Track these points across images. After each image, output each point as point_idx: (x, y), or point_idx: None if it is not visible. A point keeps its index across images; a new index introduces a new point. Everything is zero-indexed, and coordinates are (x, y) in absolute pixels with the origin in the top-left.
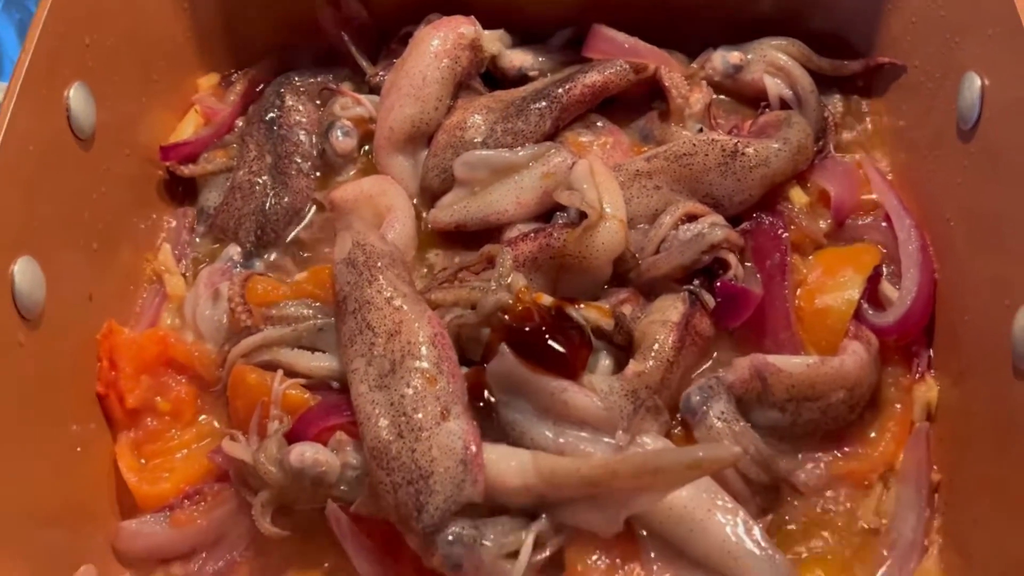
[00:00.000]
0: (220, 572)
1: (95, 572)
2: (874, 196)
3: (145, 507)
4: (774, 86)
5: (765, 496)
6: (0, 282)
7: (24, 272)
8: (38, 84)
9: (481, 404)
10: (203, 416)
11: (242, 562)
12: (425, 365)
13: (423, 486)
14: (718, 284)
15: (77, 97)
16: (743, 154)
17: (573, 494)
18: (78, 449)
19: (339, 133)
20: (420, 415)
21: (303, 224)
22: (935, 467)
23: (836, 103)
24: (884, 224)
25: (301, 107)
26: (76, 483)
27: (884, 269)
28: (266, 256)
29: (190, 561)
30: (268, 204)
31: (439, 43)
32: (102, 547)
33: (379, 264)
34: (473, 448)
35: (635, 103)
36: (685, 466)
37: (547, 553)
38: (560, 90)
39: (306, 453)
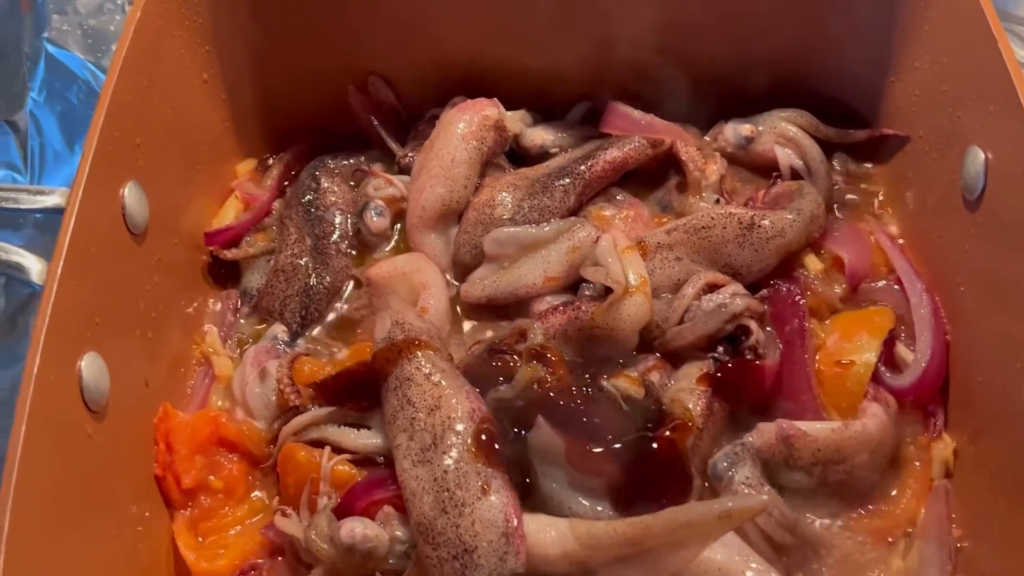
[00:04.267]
0: None
1: None
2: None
3: None
4: (784, 156)
5: (791, 559)
6: (68, 377)
7: (90, 367)
8: (96, 187)
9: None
10: (255, 493)
11: None
12: (463, 440)
13: (468, 560)
14: (730, 366)
15: (131, 196)
16: (759, 226)
17: (611, 555)
18: (139, 530)
19: (373, 213)
20: (461, 491)
21: (343, 301)
22: (955, 523)
23: (846, 162)
24: (897, 288)
25: (336, 188)
26: (138, 564)
27: (899, 332)
28: (308, 334)
29: None
30: (311, 284)
31: (465, 126)
32: None
33: (417, 343)
34: (514, 521)
35: (653, 175)
36: (716, 516)
37: None
38: (583, 167)
39: (356, 529)
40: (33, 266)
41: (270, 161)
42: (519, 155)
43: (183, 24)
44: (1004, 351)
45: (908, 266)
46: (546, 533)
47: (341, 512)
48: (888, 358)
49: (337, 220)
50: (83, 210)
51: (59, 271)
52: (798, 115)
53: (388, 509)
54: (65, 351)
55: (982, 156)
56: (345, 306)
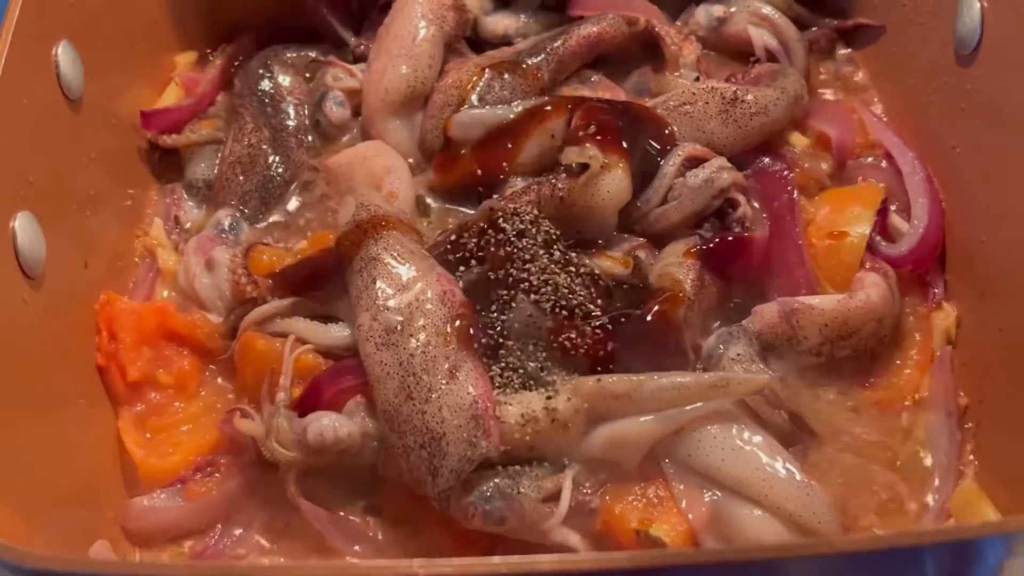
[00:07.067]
0: (236, 546)
1: (109, 547)
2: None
3: (152, 483)
4: (759, 36)
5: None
6: (1, 238)
7: (24, 228)
8: (27, 39)
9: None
10: (207, 389)
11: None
12: (434, 322)
13: (436, 448)
14: (718, 240)
15: (65, 56)
16: (743, 101)
17: (598, 409)
18: (81, 424)
19: (333, 104)
20: (428, 376)
21: (299, 192)
22: (960, 392)
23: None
24: (885, 163)
25: (291, 79)
26: (81, 459)
27: (892, 203)
28: (257, 224)
29: (205, 536)
30: (271, 176)
31: (424, 4)
32: (111, 525)
33: (383, 223)
34: (485, 403)
35: (625, 63)
36: (709, 384)
37: (588, 493)
38: (556, 43)
39: (325, 433)
40: None
41: (212, 55)
42: (479, 46)
43: None
44: (1005, 212)
45: (896, 138)
46: (524, 406)
47: (307, 403)
48: (883, 230)
49: (295, 111)
50: (12, 60)
51: None
52: None
53: (359, 399)
54: None
55: (978, 5)
56: (300, 197)
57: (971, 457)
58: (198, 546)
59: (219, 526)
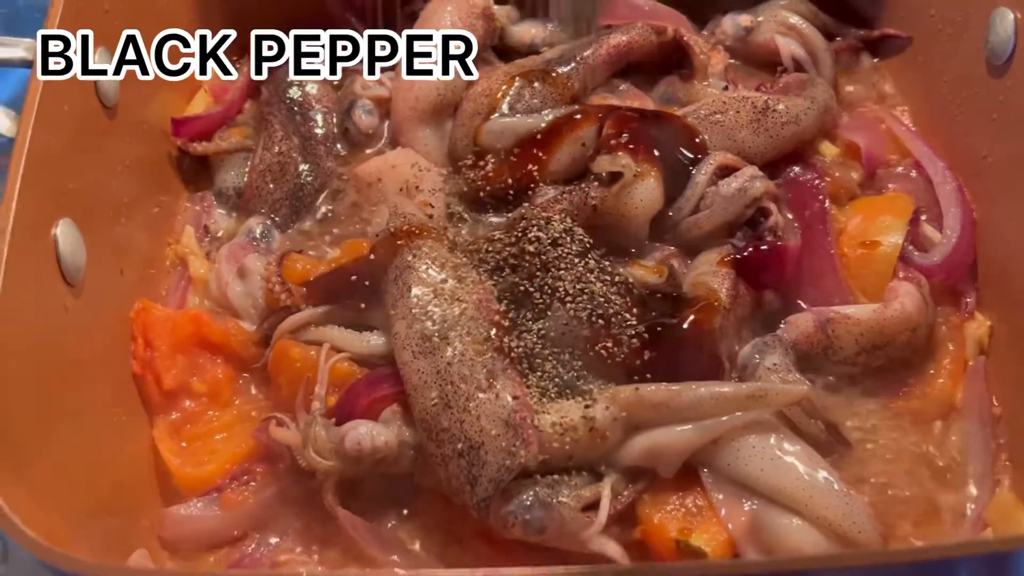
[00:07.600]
0: (273, 555)
1: (148, 557)
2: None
3: (188, 492)
4: (786, 45)
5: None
6: (43, 244)
7: (66, 235)
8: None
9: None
10: (241, 397)
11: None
12: (470, 331)
13: (475, 457)
14: (751, 249)
15: (102, 62)
16: (774, 110)
17: (636, 417)
18: (117, 432)
19: (362, 112)
20: (466, 384)
21: (329, 200)
22: (994, 401)
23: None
24: (914, 173)
25: (319, 87)
26: (117, 467)
27: (922, 212)
28: (288, 231)
29: (241, 545)
30: (302, 185)
31: (453, 12)
32: (147, 534)
33: (418, 231)
34: (523, 412)
35: (651, 72)
36: (747, 395)
37: (626, 500)
38: (587, 52)
39: (362, 441)
40: (2, 120)
41: (238, 63)
42: (506, 55)
43: None
44: None
45: (926, 147)
46: (562, 415)
47: (343, 411)
48: (914, 239)
49: (323, 119)
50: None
51: (31, 123)
52: (799, 2)
53: (396, 407)
54: (40, 213)
55: (1011, 16)
56: (330, 206)
57: (1007, 465)
58: (234, 555)
59: (255, 535)
